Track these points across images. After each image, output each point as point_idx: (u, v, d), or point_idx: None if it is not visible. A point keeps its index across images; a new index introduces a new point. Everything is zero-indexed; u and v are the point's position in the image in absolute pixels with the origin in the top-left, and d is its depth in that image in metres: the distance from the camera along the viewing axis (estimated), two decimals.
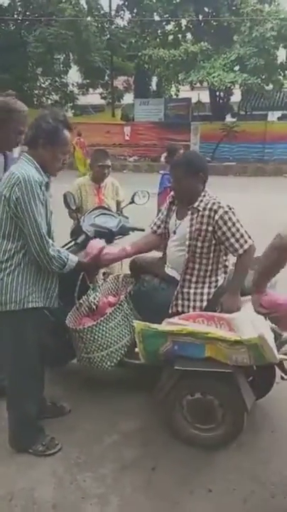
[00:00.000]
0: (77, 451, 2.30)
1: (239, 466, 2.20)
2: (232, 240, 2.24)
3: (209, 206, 2.28)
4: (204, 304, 2.34)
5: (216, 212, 2.25)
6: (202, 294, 2.36)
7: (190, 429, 2.30)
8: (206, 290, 2.36)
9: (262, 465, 2.22)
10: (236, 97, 18.49)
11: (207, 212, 2.28)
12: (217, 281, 2.38)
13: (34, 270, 2.03)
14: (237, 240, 2.23)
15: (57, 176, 2.14)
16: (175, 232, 2.44)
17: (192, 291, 2.37)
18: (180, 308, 2.37)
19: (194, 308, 2.34)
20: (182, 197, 2.44)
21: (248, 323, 2.05)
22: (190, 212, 2.34)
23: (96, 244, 2.36)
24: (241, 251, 2.24)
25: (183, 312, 2.34)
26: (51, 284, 2.13)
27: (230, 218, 2.24)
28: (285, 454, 2.29)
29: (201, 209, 2.30)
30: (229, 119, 18.73)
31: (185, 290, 2.38)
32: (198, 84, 16.61)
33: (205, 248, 2.31)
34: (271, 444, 2.35)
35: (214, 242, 2.29)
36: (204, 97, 19.40)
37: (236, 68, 14.93)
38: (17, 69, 17.89)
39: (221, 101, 18.09)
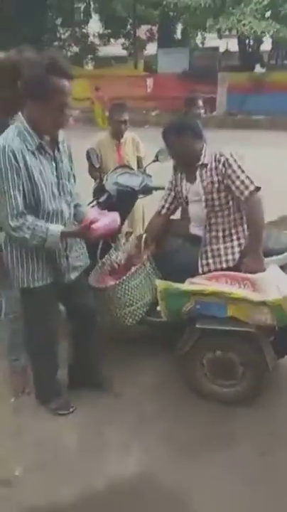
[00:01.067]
0: (100, 403, 2.39)
1: (259, 422, 2.25)
2: (233, 188, 2.22)
3: (213, 158, 2.28)
4: (237, 256, 2.31)
5: (219, 161, 2.25)
6: (232, 247, 2.33)
7: (210, 384, 2.34)
8: (235, 242, 2.33)
9: (282, 421, 2.25)
10: (266, 45, 17.38)
11: (213, 164, 2.27)
12: (244, 230, 2.34)
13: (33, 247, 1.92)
14: (237, 187, 2.21)
15: (56, 133, 1.86)
16: (189, 196, 2.42)
17: (221, 246, 2.34)
18: (212, 267, 2.34)
19: (227, 262, 2.32)
20: (185, 160, 2.39)
21: (273, 284, 2.02)
22: (198, 170, 2.33)
23: (91, 214, 2.12)
24: (242, 198, 2.20)
25: (216, 269, 2.32)
26: (59, 259, 2.02)
27: (230, 165, 2.22)
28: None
29: (207, 163, 2.30)
30: (258, 69, 17.74)
31: (215, 247, 2.35)
32: (227, 32, 15.64)
33: (223, 199, 2.28)
34: None
35: (229, 190, 2.27)
36: (232, 45, 18.34)
37: (268, 14, 13.92)
38: (36, 20, 17.24)
39: (250, 50, 17.09)
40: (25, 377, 2.48)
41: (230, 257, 2.33)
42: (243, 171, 2.21)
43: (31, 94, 1.72)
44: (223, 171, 2.23)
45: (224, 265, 2.32)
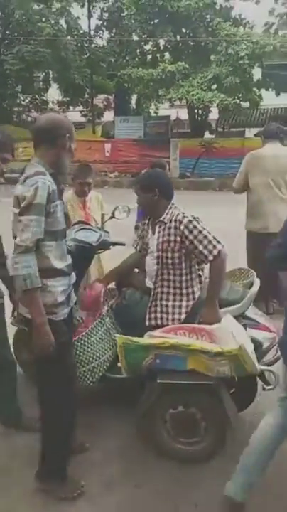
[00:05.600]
0: None
1: (225, 480, 2.18)
2: (201, 248, 2.25)
3: (174, 218, 2.34)
4: (183, 316, 2.35)
5: (181, 222, 2.29)
6: (180, 306, 2.36)
7: (174, 443, 2.28)
8: (184, 303, 2.37)
9: None
10: (214, 114, 18.89)
11: (173, 224, 2.32)
12: (193, 292, 2.38)
13: None
14: (205, 247, 2.25)
15: None
16: (149, 245, 2.49)
17: (170, 303, 2.37)
18: (159, 322, 2.37)
19: (173, 320, 2.34)
20: (146, 212, 2.57)
21: (229, 334, 2.06)
22: (157, 225, 2.40)
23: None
24: (211, 257, 2.25)
25: (162, 325, 2.34)
26: None
27: (195, 226, 2.27)
28: (271, 466, 2.28)
29: (167, 221, 2.36)
30: (207, 136, 19.09)
31: (164, 303, 2.38)
32: (177, 102, 16.91)
33: (176, 259, 2.33)
34: None
35: (184, 251, 2.31)
36: (183, 114, 19.77)
37: (214, 87, 15.30)
38: None
39: (199, 118, 18.46)
40: None
41: (176, 316, 2.36)
42: (209, 233, 2.27)
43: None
44: (185, 232, 2.26)
45: (170, 323, 2.33)
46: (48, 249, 1.86)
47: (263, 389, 2.28)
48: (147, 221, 2.58)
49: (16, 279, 1.79)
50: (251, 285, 2.51)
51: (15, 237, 1.92)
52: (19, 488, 2.14)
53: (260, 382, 2.30)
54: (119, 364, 2.20)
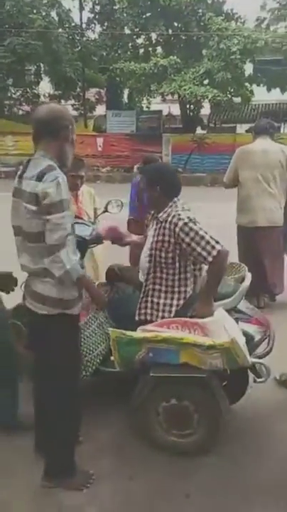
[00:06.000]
0: None
1: (216, 470, 2.22)
2: (199, 250, 2.20)
3: (169, 219, 2.28)
4: (172, 314, 2.33)
5: (176, 225, 2.23)
6: (171, 305, 2.35)
7: (167, 436, 2.30)
8: (175, 302, 2.35)
9: (239, 469, 2.24)
10: (206, 110, 18.89)
11: (167, 225, 2.28)
12: (185, 292, 2.35)
13: None
14: (204, 248, 2.20)
15: None
16: (148, 236, 2.48)
17: (161, 301, 2.36)
18: (148, 317, 2.37)
19: (162, 318, 2.33)
20: (149, 206, 2.56)
21: (221, 327, 2.09)
22: (155, 222, 2.38)
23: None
24: (210, 258, 2.19)
25: (151, 321, 2.33)
26: None
27: (191, 228, 2.21)
28: (262, 457, 2.32)
29: (163, 221, 2.31)
30: (199, 131, 19.10)
31: (155, 300, 2.38)
32: (169, 97, 16.87)
33: (170, 259, 2.30)
34: (248, 448, 2.38)
35: (178, 252, 2.27)
36: (175, 109, 19.75)
37: (206, 82, 15.31)
38: None
39: (191, 113, 18.45)
40: None
41: (166, 314, 2.34)
42: (206, 233, 2.22)
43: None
44: (181, 235, 2.22)
45: (159, 320, 2.32)
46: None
47: (255, 381, 2.32)
48: (152, 213, 2.54)
49: (65, 275, 1.81)
50: (242, 279, 2.53)
51: (17, 234, 1.92)
52: (18, 482, 2.16)
53: (251, 375, 2.34)
54: (112, 358, 2.22)
